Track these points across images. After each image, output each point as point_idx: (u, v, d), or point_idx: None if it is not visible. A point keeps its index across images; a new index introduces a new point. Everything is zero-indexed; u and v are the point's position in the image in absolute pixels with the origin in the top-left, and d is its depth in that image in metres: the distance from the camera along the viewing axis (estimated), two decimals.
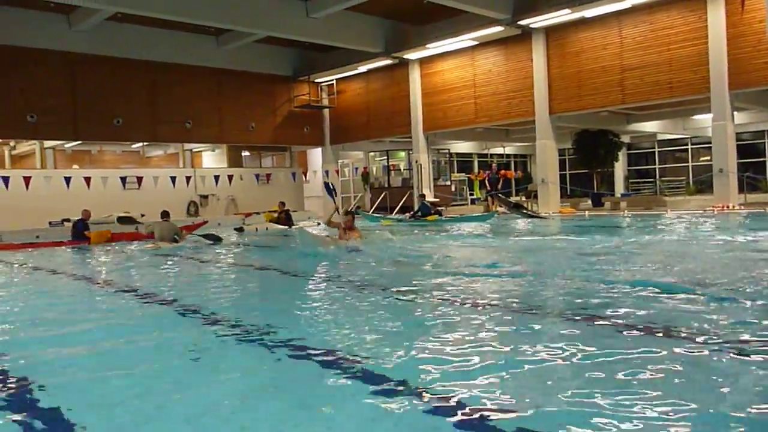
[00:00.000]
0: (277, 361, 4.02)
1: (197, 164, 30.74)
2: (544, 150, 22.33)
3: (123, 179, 23.73)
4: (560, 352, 3.75)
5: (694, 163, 33.32)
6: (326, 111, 30.09)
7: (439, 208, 21.50)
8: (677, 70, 19.14)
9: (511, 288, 6.50)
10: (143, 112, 24.13)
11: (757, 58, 17.65)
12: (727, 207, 17.83)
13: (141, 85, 24.08)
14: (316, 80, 29.09)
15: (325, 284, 7.56)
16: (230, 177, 27.00)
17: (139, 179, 24.42)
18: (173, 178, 25.36)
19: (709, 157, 22.53)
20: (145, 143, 28.26)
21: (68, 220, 19.11)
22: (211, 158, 31.61)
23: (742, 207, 18.34)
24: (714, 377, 3.27)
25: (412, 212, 20.86)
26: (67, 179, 22.64)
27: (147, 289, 7.68)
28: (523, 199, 26.75)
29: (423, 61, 25.61)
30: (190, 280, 8.81)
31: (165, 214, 14.69)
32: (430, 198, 24.07)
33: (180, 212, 25.53)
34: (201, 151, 31.58)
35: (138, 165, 29.65)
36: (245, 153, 30.65)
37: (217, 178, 26.96)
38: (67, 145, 26.73)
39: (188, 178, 26.03)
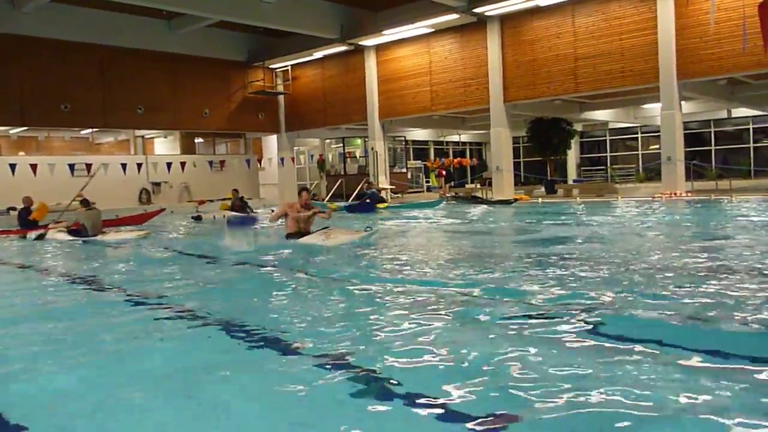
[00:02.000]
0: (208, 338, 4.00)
1: (149, 151, 30.07)
2: (498, 138, 22.54)
3: (71, 166, 23.03)
4: (500, 334, 3.80)
5: (643, 151, 34.12)
6: (281, 97, 29.81)
7: (382, 195, 21.49)
8: (629, 60, 19.51)
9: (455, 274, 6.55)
10: (93, 97, 23.51)
11: (703, 50, 18.11)
12: (675, 194, 18.31)
13: (91, 70, 23.44)
14: (271, 66, 28.75)
15: (263, 269, 7.49)
16: (183, 164, 26.50)
17: (89, 166, 23.76)
18: (124, 165, 24.73)
19: (658, 146, 23.08)
20: (94, 129, 27.53)
21: (14, 209, 18.50)
22: (164, 145, 30.97)
23: (689, 194, 18.86)
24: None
25: (361, 200, 20.66)
26: (12, 166, 21.88)
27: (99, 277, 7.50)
28: (478, 186, 27.02)
29: (379, 48, 25.53)
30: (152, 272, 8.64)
31: (86, 203, 13.43)
32: (385, 185, 24.13)
33: (132, 200, 25.01)
34: (153, 138, 30.91)
35: (87, 152, 28.86)
36: (199, 140, 30.14)
37: (169, 165, 26.43)
38: (12, 131, 25.85)
39: (139, 165, 25.46)
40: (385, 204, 19.74)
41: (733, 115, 30.86)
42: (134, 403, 3.06)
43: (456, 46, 23.45)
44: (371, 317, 4.57)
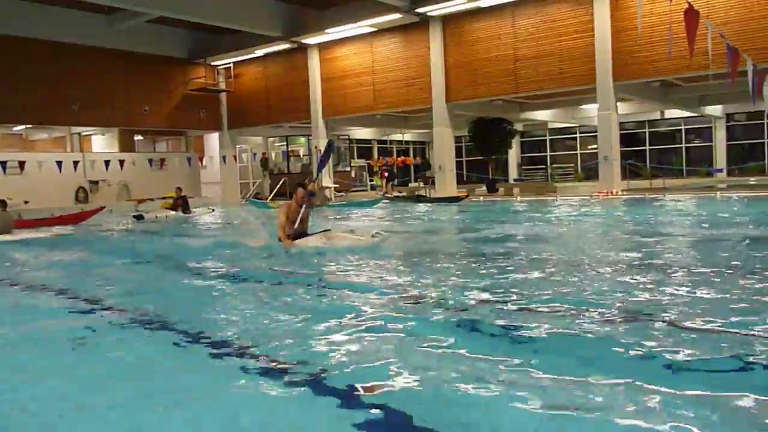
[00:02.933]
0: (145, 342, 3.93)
1: (86, 148, 29.23)
2: (441, 137, 22.77)
3: (3, 164, 22.18)
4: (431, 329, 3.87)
5: (582, 151, 34.97)
6: (223, 95, 29.40)
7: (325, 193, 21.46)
8: (567, 61, 19.98)
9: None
10: (27, 92, 22.69)
11: (638, 52, 18.69)
12: (611, 193, 18.86)
13: (25, 65, 22.62)
14: (212, 63, 28.33)
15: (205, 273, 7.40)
16: (122, 162, 25.86)
17: (22, 164, 22.92)
18: (59, 163, 23.98)
19: (595, 146, 23.71)
20: (28, 126, 26.57)
21: None
22: (102, 142, 30.15)
23: (625, 193, 19.46)
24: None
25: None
26: None
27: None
28: (421, 185, 27.24)
29: (322, 47, 25.45)
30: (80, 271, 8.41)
31: (2, 203, 12.88)
32: (329, 184, 24.09)
33: (68, 199, 24.27)
34: (90, 135, 30.06)
35: (20, 149, 27.83)
36: (138, 137, 29.45)
37: (107, 162, 25.75)
38: None
39: (76, 163, 24.72)
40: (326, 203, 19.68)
41: (667, 116, 31.94)
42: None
43: (399, 46, 23.58)
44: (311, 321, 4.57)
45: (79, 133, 28.57)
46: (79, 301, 5.72)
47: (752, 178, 26.49)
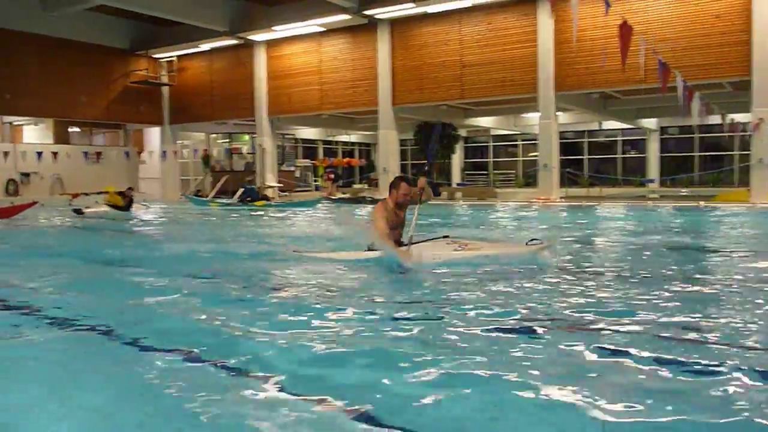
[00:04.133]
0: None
1: (17, 139, 28.12)
2: (386, 139, 22.86)
3: None
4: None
5: (523, 158, 35.70)
6: (166, 89, 28.75)
7: (266, 194, 21.19)
8: (511, 70, 20.35)
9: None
10: None
11: (578, 64, 19.19)
12: (549, 199, 19.30)
13: None
14: (155, 56, 27.68)
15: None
16: (55, 154, 24.98)
17: None
18: None
19: (536, 153, 24.21)
20: None
21: None
22: (35, 133, 29.03)
23: (563, 200, 19.94)
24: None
25: (239, 195, 20.15)
26: None
27: None
28: (366, 186, 27.28)
29: (269, 44, 25.20)
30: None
31: None
32: (272, 183, 23.86)
33: None
34: (22, 125, 28.93)
35: None
36: (74, 129, 28.49)
37: (39, 154, 24.83)
38: None
39: (6, 154, 23.74)
40: (264, 203, 19.41)
41: (605, 127, 32.93)
42: None
43: (347, 47, 23.55)
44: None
45: (10, 123, 27.46)
46: None
47: (683, 189, 27.56)
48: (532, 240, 6.38)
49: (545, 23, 19.39)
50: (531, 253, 6.23)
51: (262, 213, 16.97)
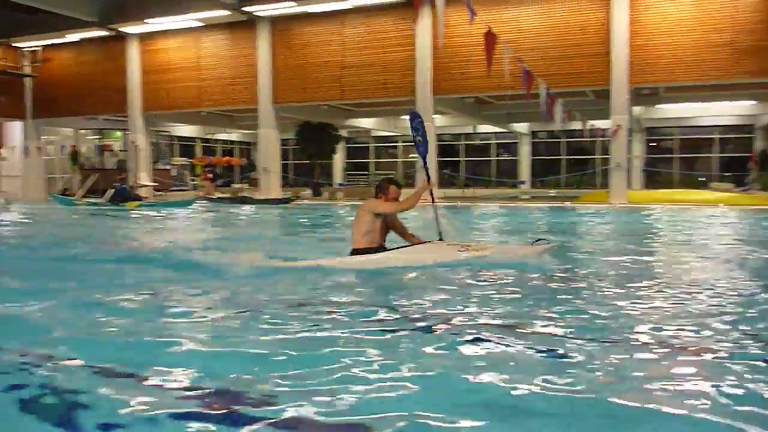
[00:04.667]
0: None
1: None
2: (266, 139, 22.62)
3: None
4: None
5: (403, 159, 36.43)
6: (28, 80, 26.93)
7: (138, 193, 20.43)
8: (390, 73, 20.74)
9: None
10: None
11: (453, 69, 19.87)
12: (425, 200, 19.77)
13: None
14: (16, 45, 25.85)
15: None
16: None
17: None
18: None
19: (416, 155, 24.79)
20: None
21: None
22: None
23: (440, 200, 20.51)
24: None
25: (109, 196, 19.22)
26: None
27: None
28: (246, 186, 26.86)
29: (143, 37, 24.23)
30: None
31: None
32: (146, 182, 22.98)
33: None
34: None
35: None
36: None
37: None
38: None
39: None
40: (137, 203, 18.65)
41: (480, 131, 34.25)
42: None
43: (226, 43, 23.09)
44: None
45: None
46: None
47: (552, 191, 29.23)
48: (538, 240, 6.37)
49: (423, 28, 19.90)
50: (538, 254, 6.11)
51: (138, 215, 16.31)
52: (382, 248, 6.26)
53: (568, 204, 18.92)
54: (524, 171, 33.67)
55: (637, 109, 26.41)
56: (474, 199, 21.45)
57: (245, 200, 21.18)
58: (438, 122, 22.20)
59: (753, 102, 25.60)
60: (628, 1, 17.96)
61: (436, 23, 19.48)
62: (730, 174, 28.25)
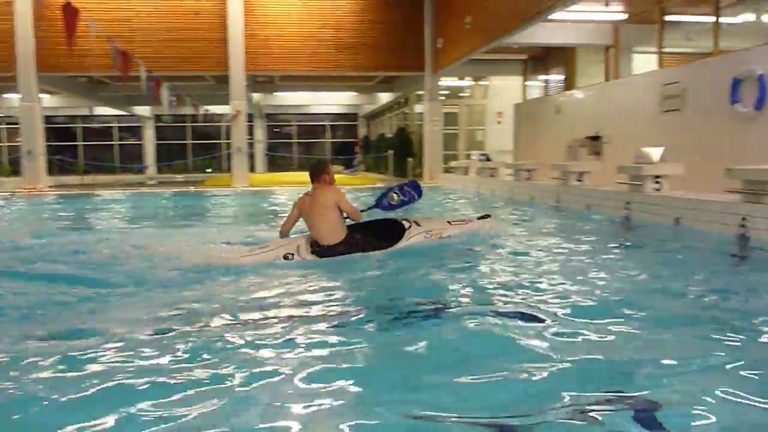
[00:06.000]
0: None
1: None
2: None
3: None
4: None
5: (8, 144, 32.21)
6: None
7: None
8: None
9: None
10: None
11: (62, 45, 18.16)
12: (36, 189, 17.93)
13: None
14: None
15: None
16: None
17: None
18: None
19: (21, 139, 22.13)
20: None
21: None
22: None
23: (53, 189, 18.75)
24: None
25: None
26: None
27: None
28: None
29: None
30: None
31: None
32: None
33: None
34: None
35: None
36: None
37: None
38: None
39: None
40: None
41: (99, 113, 32.04)
42: None
43: None
44: None
45: None
46: None
47: (179, 175, 28.92)
48: (486, 214, 6.78)
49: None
50: (487, 226, 6.51)
51: None
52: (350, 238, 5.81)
53: (192, 189, 18.94)
54: (149, 155, 32.69)
55: (257, 96, 27.65)
56: (94, 187, 20.07)
57: None
58: (47, 103, 20.11)
59: (355, 93, 28.91)
60: None
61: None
62: (341, 157, 31.50)
